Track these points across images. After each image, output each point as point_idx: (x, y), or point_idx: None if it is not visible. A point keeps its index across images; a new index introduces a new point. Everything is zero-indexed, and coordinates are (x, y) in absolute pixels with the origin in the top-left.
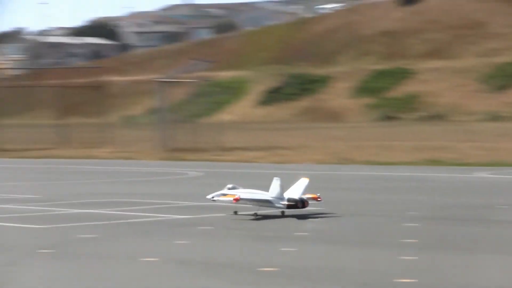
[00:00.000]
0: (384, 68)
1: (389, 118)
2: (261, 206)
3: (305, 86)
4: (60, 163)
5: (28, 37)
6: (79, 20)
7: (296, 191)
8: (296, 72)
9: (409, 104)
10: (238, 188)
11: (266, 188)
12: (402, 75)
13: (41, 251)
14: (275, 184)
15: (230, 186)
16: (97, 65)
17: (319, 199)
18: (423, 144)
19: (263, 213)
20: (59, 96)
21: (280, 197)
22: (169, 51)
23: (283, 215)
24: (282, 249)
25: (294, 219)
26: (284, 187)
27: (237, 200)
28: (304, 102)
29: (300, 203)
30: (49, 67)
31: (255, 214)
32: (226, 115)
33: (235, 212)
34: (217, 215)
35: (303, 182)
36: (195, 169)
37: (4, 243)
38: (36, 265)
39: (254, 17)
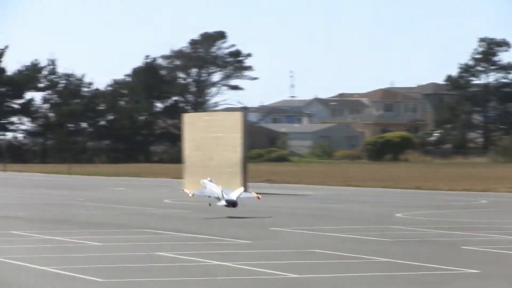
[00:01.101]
0: None
1: None
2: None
3: None
4: None
5: None
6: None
7: (235, 194)
8: None
9: None
10: (212, 182)
11: None
12: None
13: None
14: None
15: (208, 179)
16: None
17: (259, 198)
18: None
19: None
20: None
21: (224, 197)
22: None
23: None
24: None
25: None
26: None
27: (192, 194)
28: None
29: (231, 204)
30: None
31: (209, 205)
32: None
33: (209, 204)
34: None
35: (240, 189)
36: None
37: None
38: None
39: None
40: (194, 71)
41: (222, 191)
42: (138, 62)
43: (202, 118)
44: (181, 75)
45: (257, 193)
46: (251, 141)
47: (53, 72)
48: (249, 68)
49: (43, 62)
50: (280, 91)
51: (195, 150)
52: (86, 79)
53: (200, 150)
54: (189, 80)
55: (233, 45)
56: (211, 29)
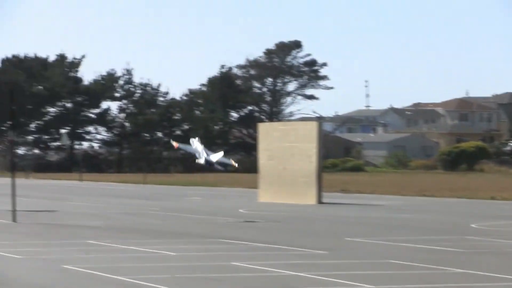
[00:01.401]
0: None
1: None
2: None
3: None
4: None
5: None
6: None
7: (215, 157)
8: None
9: None
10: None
11: None
12: None
13: None
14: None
15: (197, 139)
16: None
17: (235, 166)
18: None
19: None
20: None
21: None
22: None
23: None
24: None
25: None
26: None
27: (176, 147)
28: None
29: (208, 163)
30: None
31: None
32: None
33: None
34: None
35: (220, 153)
36: None
37: None
38: None
39: None
40: (269, 80)
41: (203, 150)
42: (214, 71)
43: (277, 127)
44: (256, 84)
45: (235, 162)
46: (326, 150)
47: (129, 81)
48: (324, 77)
49: (119, 72)
50: (355, 100)
51: (269, 160)
52: (162, 89)
53: (274, 159)
54: (264, 89)
55: (308, 55)
56: (287, 38)
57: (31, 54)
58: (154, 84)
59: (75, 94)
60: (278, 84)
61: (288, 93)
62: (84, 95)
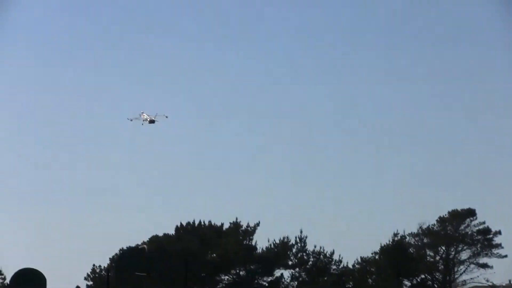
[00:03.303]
0: None
1: None
2: None
3: None
4: None
5: None
6: None
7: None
8: None
9: None
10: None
11: None
12: None
13: None
14: None
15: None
16: None
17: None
18: None
19: None
20: None
21: None
22: None
23: None
24: None
25: None
26: None
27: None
28: None
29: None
30: None
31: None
32: None
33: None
34: None
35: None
36: None
37: None
38: None
39: None
40: (442, 248)
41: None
42: (386, 238)
43: None
44: (429, 252)
45: None
46: None
47: (302, 249)
48: (498, 245)
49: (292, 239)
50: None
51: None
52: (335, 256)
53: None
54: (437, 258)
55: (482, 223)
56: (460, 206)
57: (205, 220)
58: (327, 251)
59: (248, 262)
60: (451, 253)
61: (461, 262)
62: (258, 263)
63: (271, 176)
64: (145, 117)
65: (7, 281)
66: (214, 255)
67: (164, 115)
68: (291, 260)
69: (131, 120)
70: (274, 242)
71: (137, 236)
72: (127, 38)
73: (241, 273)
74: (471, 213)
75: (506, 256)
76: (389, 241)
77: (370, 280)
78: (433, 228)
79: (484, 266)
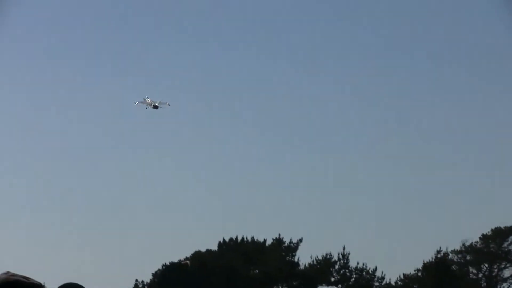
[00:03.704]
0: None
1: None
2: None
3: None
4: None
5: None
6: None
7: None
8: None
9: None
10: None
11: None
12: None
13: None
14: None
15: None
16: None
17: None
18: None
19: None
20: None
21: None
22: None
23: None
24: None
25: None
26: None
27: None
28: None
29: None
30: None
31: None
32: None
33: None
34: None
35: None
36: None
37: None
38: None
39: None
40: (485, 266)
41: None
42: (429, 255)
43: None
44: (472, 270)
45: None
46: None
47: (345, 266)
48: None
49: (335, 256)
50: None
51: None
52: (378, 273)
53: None
54: (480, 275)
55: None
56: (503, 223)
57: (248, 236)
58: (370, 268)
59: (291, 278)
60: (494, 270)
61: (504, 279)
62: (300, 279)
63: (314, 192)
64: (149, 101)
65: None
66: (257, 271)
67: (167, 103)
68: (334, 277)
69: (137, 104)
70: (316, 258)
71: (180, 252)
72: (132, 34)
73: None
74: None
75: None
76: (432, 258)
77: None
78: (476, 245)
79: None
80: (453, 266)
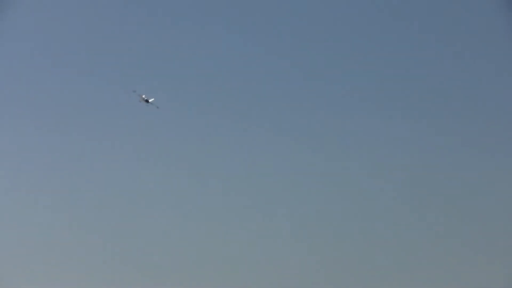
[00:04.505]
0: None
1: None
2: None
3: None
4: None
5: None
6: None
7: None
8: None
9: None
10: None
11: None
12: None
13: None
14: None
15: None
16: None
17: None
18: None
19: None
20: None
21: None
22: None
23: None
24: None
25: None
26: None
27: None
28: None
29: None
30: None
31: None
32: None
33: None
34: None
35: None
36: None
37: None
38: None
39: None
40: None
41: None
42: None
43: None
44: None
45: None
46: None
47: None
48: None
49: None
50: None
51: None
52: None
53: None
54: None
55: None
56: None
57: None
58: None
59: None
60: None
61: None
62: None
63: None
64: (143, 97)
65: None
66: None
67: (156, 106)
68: None
69: (135, 92)
70: None
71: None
72: (130, 30)
73: None
74: None
75: None
76: None
77: None
78: None
79: None
80: None
